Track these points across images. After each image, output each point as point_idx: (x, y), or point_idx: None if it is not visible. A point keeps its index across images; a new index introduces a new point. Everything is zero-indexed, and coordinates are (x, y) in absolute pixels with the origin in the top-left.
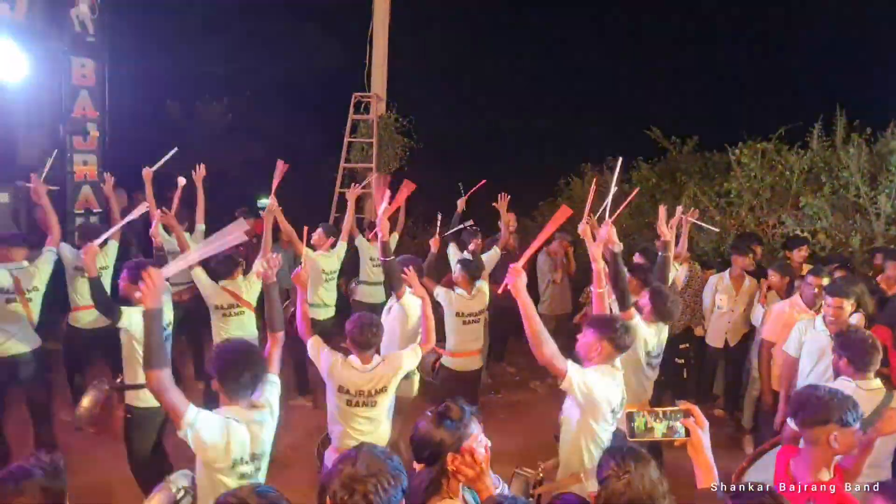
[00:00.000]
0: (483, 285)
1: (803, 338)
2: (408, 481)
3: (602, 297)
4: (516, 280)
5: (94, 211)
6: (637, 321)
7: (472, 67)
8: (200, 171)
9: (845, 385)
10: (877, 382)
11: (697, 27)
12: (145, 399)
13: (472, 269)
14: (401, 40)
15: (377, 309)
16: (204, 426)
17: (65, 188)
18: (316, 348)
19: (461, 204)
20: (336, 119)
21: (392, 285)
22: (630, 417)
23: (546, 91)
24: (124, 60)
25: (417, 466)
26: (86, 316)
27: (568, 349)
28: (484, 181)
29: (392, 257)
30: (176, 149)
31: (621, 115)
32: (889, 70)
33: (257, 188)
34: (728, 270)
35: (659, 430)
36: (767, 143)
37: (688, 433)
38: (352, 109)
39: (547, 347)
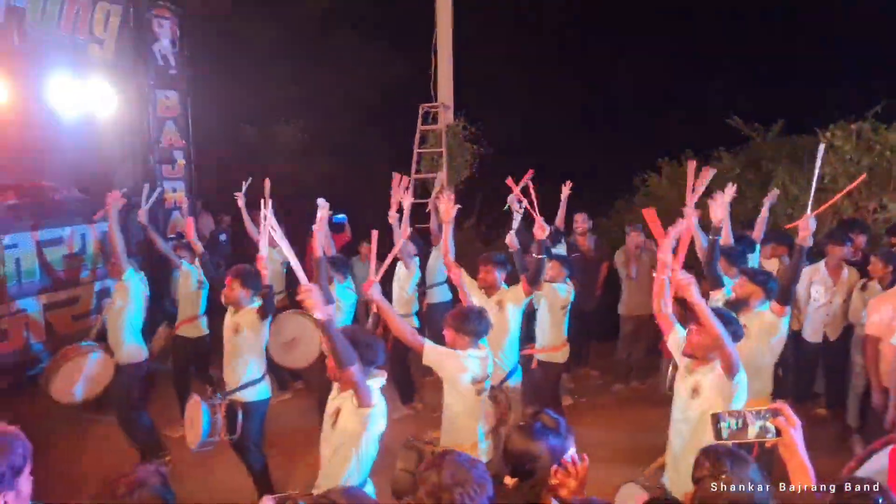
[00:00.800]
0: None
1: None
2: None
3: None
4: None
5: (185, 234)
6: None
7: (538, 68)
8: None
9: None
10: None
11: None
12: (262, 391)
13: (566, 264)
14: (465, 48)
15: (449, 306)
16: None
17: (157, 215)
18: (436, 349)
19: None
20: (405, 131)
21: (534, 280)
22: (716, 419)
23: (616, 87)
24: (204, 90)
25: (510, 481)
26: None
27: (651, 351)
28: (532, 171)
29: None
30: (250, 178)
31: (697, 106)
32: None
33: (333, 204)
34: (824, 260)
35: (750, 431)
36: (863, 122)
37: (779, 433)
38: (420, 120)
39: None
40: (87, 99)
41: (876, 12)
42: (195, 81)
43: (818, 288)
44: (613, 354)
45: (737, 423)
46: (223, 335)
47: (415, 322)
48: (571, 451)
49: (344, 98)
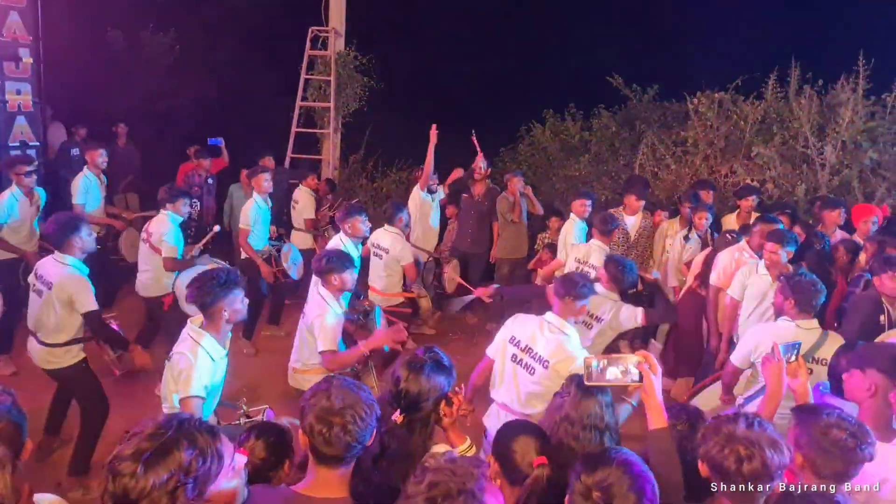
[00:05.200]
0: None
1: (746, 281)
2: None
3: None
4: None
5: (31, 144)
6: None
7: (434, 6)
8: None
9: (786, 325)
10: (814, 322)
11: None
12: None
13: None
14: None
15: None
16: None
17: None
18: None
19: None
20: (292, 55)
21: None
22: (586, 363)
23: (509, 34)
24: None
25: (399, 418)
26: None
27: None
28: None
29: None
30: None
31: (584, 62)
32: (843, 23)
33: (209, 128)
34: (678, 217)
35: (613, 373)
36: (724, 93)
37: (641, 378)
38: (308, 44)
39: None
40: None
41: None
42: None
43: (670, 240)
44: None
45: (601, 367)
46: None
47: None
48: (454, 387)
49: (225, 12)
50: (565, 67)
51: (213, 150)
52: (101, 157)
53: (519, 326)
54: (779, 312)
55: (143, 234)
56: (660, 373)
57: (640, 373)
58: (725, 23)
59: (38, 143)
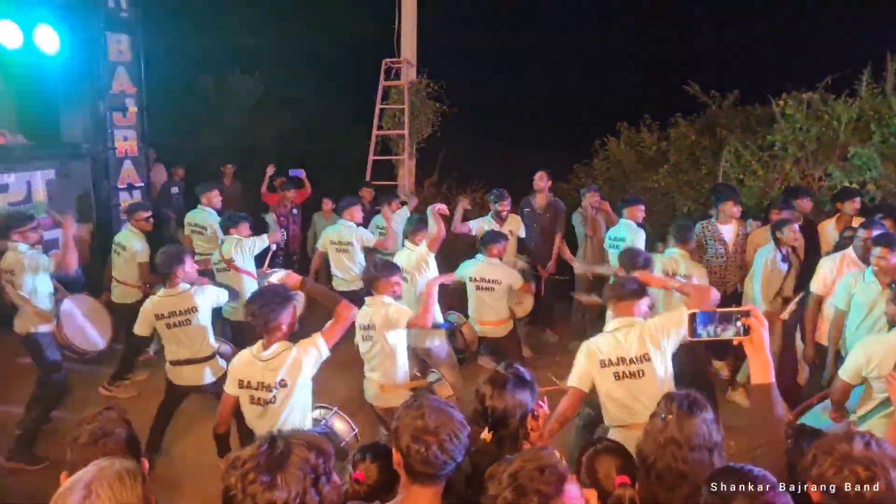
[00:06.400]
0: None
1: (852, 290)
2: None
3: None
4: None
5: (136, 185)
6: None
7: (501, 29)
8: None
9: None
10: None
11: None
12: None
13: None
14: (430, 3)
15: None
16: None
17: (107, 164)
18: None
19: None
20: (368, 87)
21: None
22: (692, 318)
23: (579, 49)
24: (157, 35)
25: (488, 436)
26: None
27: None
28: None
29: None
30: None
31: (657, 72)
32: None
33: (291, 161)
34: (770, 225)
35: (718, 328)
36: (813, 93)
37: (747, 332)
38: (382, 76)
39: None
40: (34, 41)
41: None
42: (149, 26)
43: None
44: (570, 313)
45: (710, 322)
46: None
47: None
48: (538, 401)
49: (303, 50)
50: (637, 79)
51: (295, 181)
52: (216, 197)
53: (596, 350)
54: (892, 322)
55: (220, 265)
56: (766, 325)
57: (747, 325)
58: (807, 20)
59: (142, 185)
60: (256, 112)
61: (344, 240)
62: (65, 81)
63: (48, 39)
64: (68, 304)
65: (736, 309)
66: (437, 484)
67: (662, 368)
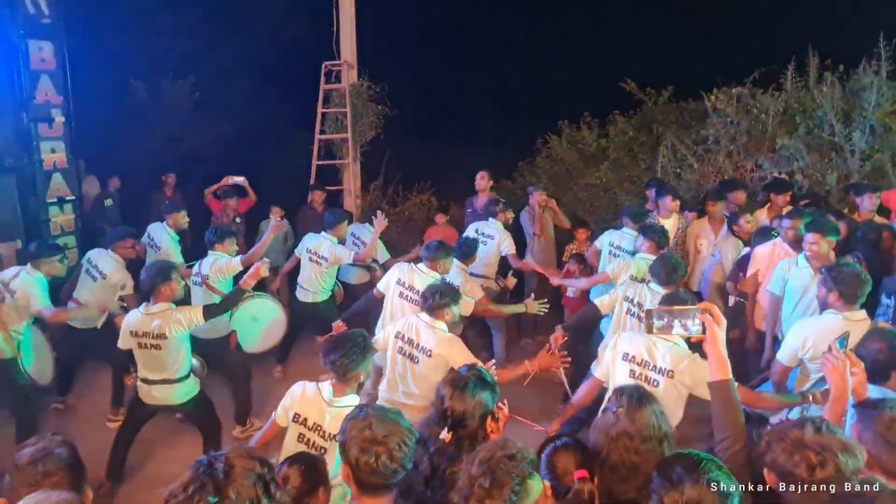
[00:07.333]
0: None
1: (786, 276)
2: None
3: None
4: None
5: (67, 199)
6: None
7: (441, 29)
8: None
9: (833, 318)
10: (862, 313)
11: None
12: None
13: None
14: (367, 5)
15: None
16: None
17: (34, 178)
18: None
19: None
20: (308, 90)
21: None
22: (649, 315)
23: (517, 50)
24: (84, 41)
25: (448, 437)
26: None
27: (552, 305)
28: None
29: None
30: None
31: (596, 70)
32: (859, 6)
33: (230, 166)
34: (706, 216)
35: (677, 325)
36: (742, 87)
37: (704, 330)
38: (322, 79)
39: None
40: None
41: None
42: (73, 31)
43: (703, 242)
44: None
45: (665, 319)
46: None
47: None
48: (498, 402)
49: (240, 54)
50: (576, 77)
51: (237, 189)
52: (183, 218)
53: (626, 343)
54: (823, 306)
55: (196, 278)
56: (724, 324)
57: (703, 324)
58: (735, 18)
59: (73, 198)
60: (193, 118)
61: (321, 253)
62: None
63: None
64: None
65: (694, 307)
66: (389, 493)
67: (675, 399)
